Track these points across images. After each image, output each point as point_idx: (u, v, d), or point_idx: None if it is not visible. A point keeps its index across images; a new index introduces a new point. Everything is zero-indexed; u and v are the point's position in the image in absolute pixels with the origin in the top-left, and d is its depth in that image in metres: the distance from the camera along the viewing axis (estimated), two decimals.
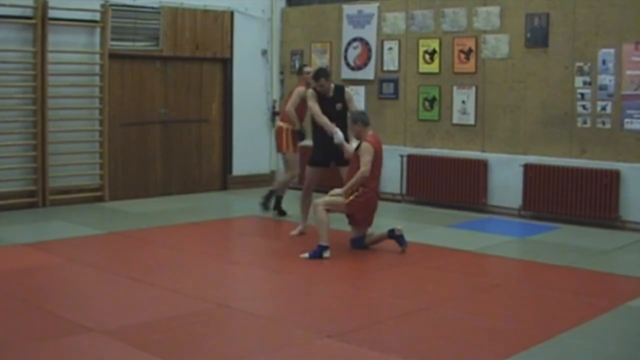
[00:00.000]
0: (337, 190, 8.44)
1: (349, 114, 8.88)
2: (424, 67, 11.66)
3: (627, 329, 6.15)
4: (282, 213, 10.64)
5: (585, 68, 10.07)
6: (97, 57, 11.45)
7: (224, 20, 12.88)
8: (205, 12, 12.61)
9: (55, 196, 11.07)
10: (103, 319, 6.08)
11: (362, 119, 8.49)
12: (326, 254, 8.17)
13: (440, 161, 11.34)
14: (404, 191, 11.78)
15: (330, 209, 8.32)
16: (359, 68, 12.41)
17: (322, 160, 9.12)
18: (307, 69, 10.57)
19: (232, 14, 12.97)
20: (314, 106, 8.99)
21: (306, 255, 8.17)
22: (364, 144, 8.32)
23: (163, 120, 12.33)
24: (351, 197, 8.29)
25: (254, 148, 13.38)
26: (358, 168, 8.27)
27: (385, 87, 12.11)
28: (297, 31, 13.40)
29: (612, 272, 7.87)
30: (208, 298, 6.74)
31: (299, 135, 10.39)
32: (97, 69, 11.50)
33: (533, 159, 10.54)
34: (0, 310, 6.33)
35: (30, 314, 6.24)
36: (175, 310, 6.37)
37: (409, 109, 11.85)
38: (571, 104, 10.23)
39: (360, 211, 8.45)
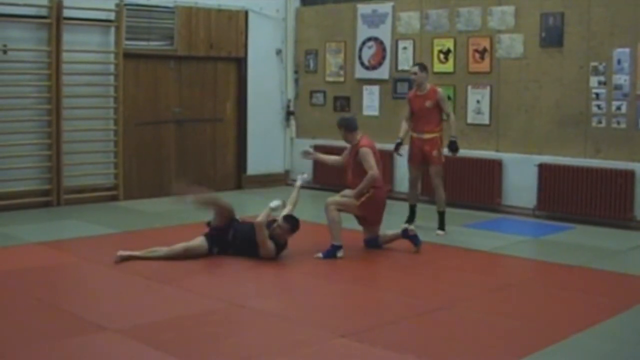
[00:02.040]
0: (348, 192, 8.44)
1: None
2: (438, 67, 11.64)
3: None
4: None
5: (600, 68, 10.03)
6: (112, 56, 11.49)
7: (239, 20, 12.89)
8: (220, 11, 12.62)
9: (69, 195, 11.11)
10: (117, 317, 6.10)
11: (345, 125, 8.48)
12: (340, 254, 8.16)
13: (455, 161, 11.30)
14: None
15: (341, 209, 8.32)
16: (373, 67, 12.40)
17: None
18: (413, 69, 9.84)
19: (246, 13, 12.98)
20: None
21: (320, 255, 8.17)
22: (363, 150, 8.31)
23: (177, 120, 12.35)
24: (362, 199, 8.30)
25: (269, 147, 13.39)
26: (358, 174, 8.29)
27: (400, 87, 12.07)
28: (311, 31, 13.40)
29: (627, 272, 7.82)
30: (222, 297, 6.75)
31: (453, 146, 9.65)
32: (111, 68, 11.54)
33: (547, 158, 10.50)
34: (14, 308, 6.36)
35: (44, 313, 6.26)
36: (189, 310, 6.38)
37: None
38: (586, 103, 10.19)
39: (372, 212, 8.49)
